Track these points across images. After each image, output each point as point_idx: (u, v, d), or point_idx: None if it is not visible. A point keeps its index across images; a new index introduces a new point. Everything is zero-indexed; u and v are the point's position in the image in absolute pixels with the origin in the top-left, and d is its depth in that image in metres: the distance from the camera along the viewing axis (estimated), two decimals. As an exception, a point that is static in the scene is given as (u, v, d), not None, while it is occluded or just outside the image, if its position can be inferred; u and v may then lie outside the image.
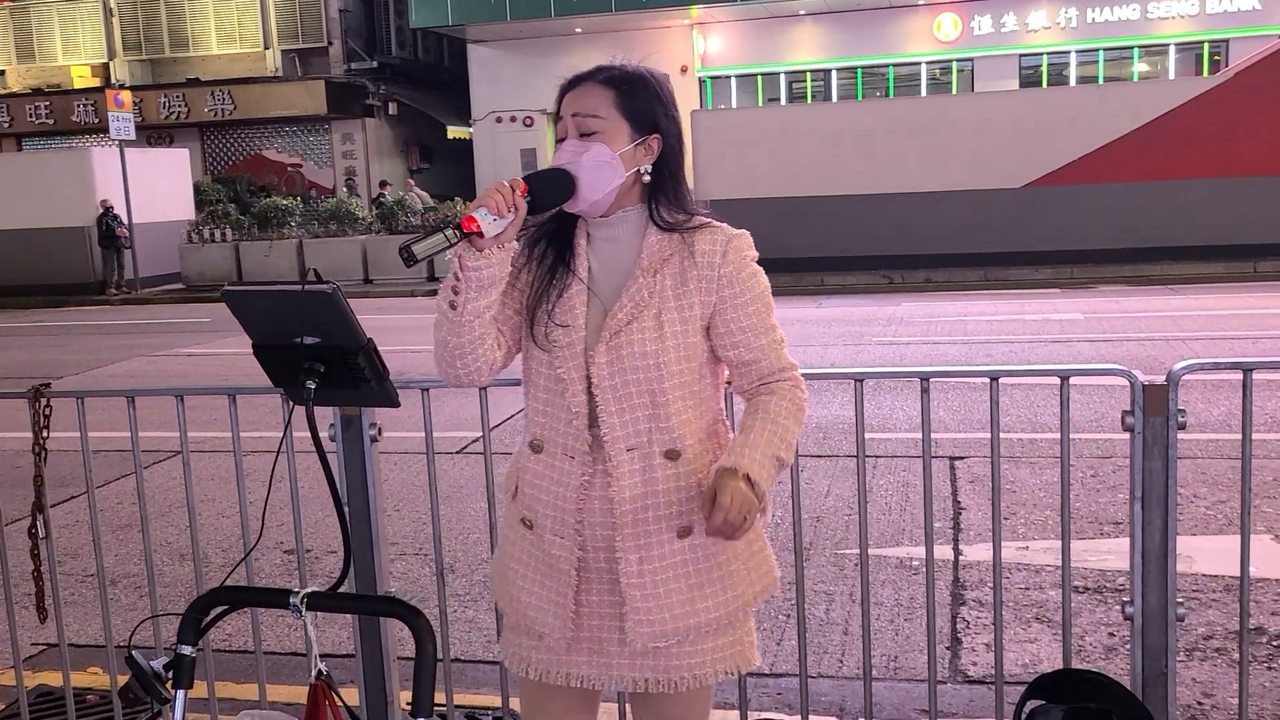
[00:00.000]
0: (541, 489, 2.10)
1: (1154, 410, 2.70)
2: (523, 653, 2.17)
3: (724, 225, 2.11)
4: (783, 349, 2.11)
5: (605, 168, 2.02)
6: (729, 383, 2.21)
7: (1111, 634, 4.20)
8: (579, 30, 25.32)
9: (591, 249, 2.12)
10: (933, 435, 3.01)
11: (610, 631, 2.08)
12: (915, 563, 4.97)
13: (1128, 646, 3.00)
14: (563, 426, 2.06)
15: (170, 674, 1.83)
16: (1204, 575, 4.70)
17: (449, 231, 1.87)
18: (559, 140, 2.10)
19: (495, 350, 2.08)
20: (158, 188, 21.15)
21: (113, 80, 27.48)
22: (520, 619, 2.15)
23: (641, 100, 2.06)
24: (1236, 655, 3.47)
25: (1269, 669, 3.86)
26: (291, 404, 1.94)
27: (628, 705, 2.37)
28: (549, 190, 2.00)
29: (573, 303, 2.06)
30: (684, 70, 25.54)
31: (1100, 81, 24.05)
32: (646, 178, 2.08)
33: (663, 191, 2.09)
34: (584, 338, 2.04)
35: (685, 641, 2.08)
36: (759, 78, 26.11)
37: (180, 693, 1.85)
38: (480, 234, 1.90)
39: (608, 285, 2.08)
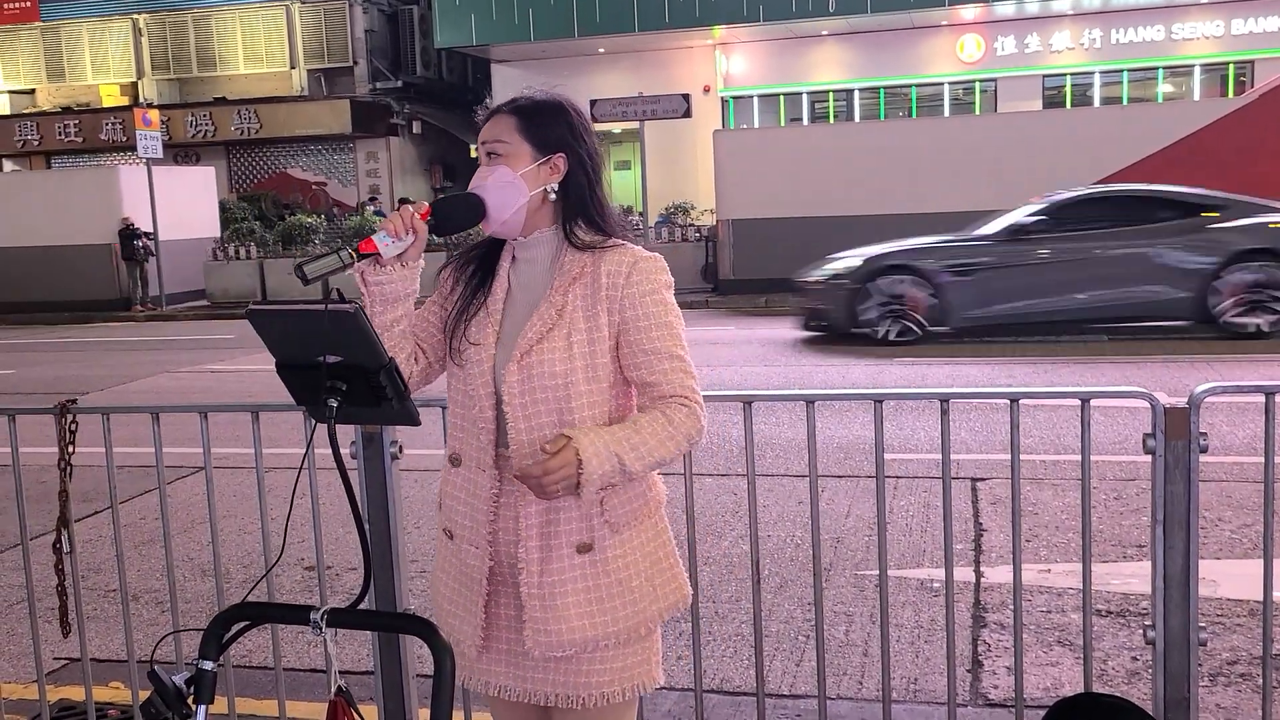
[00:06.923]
0: (459, 500, 2.20)
1: (1175, 433, 2.69)
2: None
3: (636, 247, 2.14)
4: (687, 378, 2.08)
5: (509, 188, 2.11)
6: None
7: (1135, 658, 4.17)
8: (602, 50, 25.45)
9: (514, 270, 2.21)
10: (955, 456, 3.01)
11: (521, 643, 2.13)
12: (936, 584, 4.94)
13: (1151, 671, 2.98)
14: (474, 441, 2.15)
15: (192, 689, 1.85)
16: (1229, 600, 4.66)
17: (344, 253, 1.99)
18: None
19: (411, 364, 2.18)
20: (183, 205, 21.33)
21: (141, 99, 27.79)
22: (443, 625, 2.22)
23: (544, 123, 2.14)
24: (1261, 681, 3.44)
25: (1294, 695, 3.82)
26: (314, 422, 1.97)
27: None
28: (458, 214, 2.12)
29: (484, 322, 2.15)
30: (706, 90, 25.61)
31: (1124, 102, 23.97)
32: (553, 196, 2.15)
33: (579, 212, 2.16)
34: (492, 355, 2.12)
35: (588, 656, 2.11)
36: (781, 98, 26.14)
37: (202, 708, 1.86)
38: (378, 255, 2.04)
39: (525, 305, 2.16)
